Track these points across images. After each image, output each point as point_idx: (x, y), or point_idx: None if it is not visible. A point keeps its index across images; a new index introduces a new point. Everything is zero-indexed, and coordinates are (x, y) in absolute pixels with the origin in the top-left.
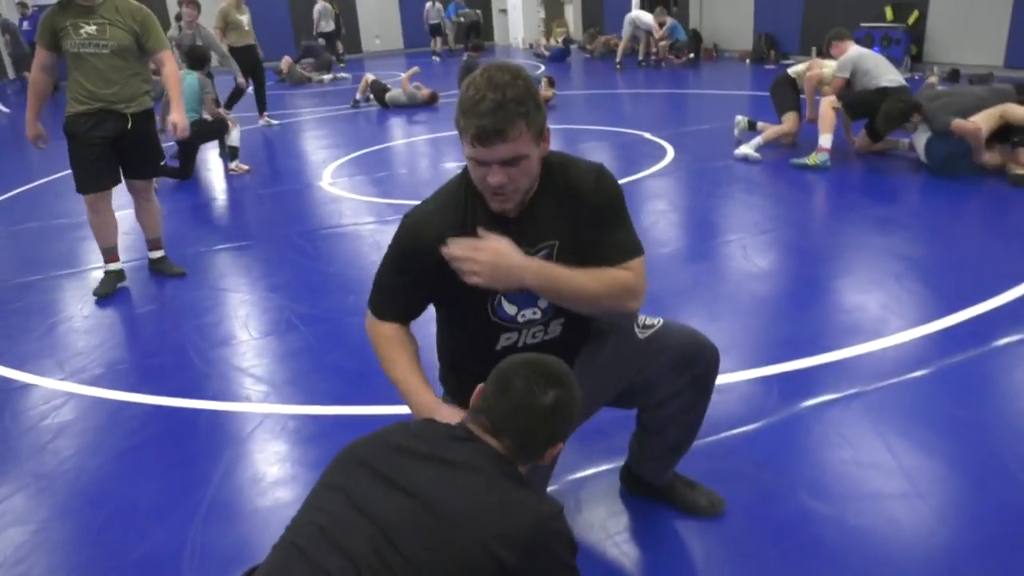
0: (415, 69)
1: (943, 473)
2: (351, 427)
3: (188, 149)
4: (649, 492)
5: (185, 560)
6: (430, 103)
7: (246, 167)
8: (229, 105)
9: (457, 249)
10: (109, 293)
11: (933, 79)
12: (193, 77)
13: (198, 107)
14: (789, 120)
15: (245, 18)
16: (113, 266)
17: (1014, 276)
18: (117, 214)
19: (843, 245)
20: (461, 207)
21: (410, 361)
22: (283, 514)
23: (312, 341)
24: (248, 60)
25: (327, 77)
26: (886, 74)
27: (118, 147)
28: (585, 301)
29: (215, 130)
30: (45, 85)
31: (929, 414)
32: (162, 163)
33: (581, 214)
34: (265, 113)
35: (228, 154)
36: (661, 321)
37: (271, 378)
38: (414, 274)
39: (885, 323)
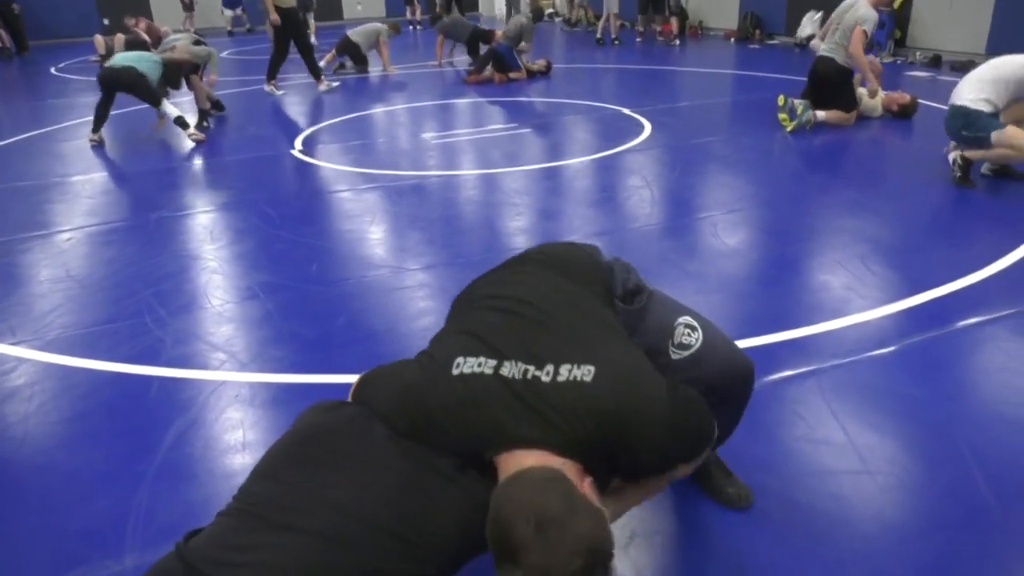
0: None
1: (894, 452)
2: (308, 395)
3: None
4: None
5: (129, 527)
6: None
7: (200, 135)
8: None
9: None
10: None
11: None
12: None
13: None
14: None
15: None
16: None
17: (977, 261)
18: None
19: (812, 226)
20: None
21: None
22: (234, 482)
23: (272, 309)
24: (295, 22)
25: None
26: None
27: None
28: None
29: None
30: None
31: (884, 393)
32: None
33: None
34: (274, 81)
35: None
36: (700, 340)
37: (228, 346)
38: None
39: (847, 303)
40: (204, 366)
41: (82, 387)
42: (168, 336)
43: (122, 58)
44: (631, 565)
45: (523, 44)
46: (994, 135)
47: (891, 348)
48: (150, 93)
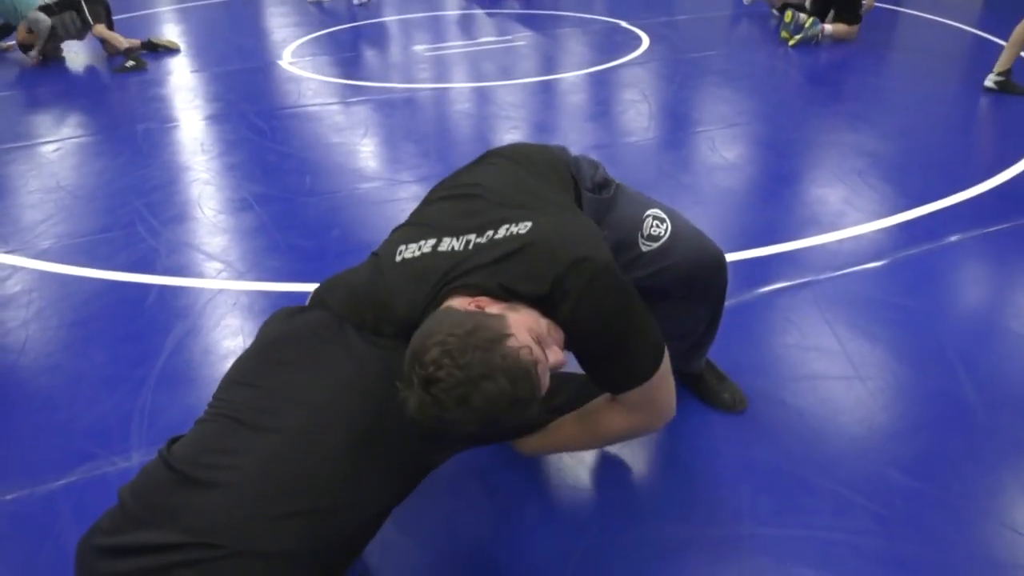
0: None
1: (884, 358)
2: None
3: None
4: (680, 378)
5: (134, 425)
6: None
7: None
8: None
9: None
10: None
11: None
12: None
13: None
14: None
15: None
16: None
17: (975, 175)
18: None
19: (810, 140)
20: None
21: None
22: None
23: (267, 220)
24: None
25: None
26: None
27: None
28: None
29: None
30: None
31: (877, 304)
32: None
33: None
34: None
35: None
36: (669, 231)
37: (224, 255)
38: None
39: (842, 216)
40: (201, 275)
41: (80, 295)
42: (162, 246)
43: None
44: (626, 468)
45: None
46: None
47: (885, 261)
48: None
